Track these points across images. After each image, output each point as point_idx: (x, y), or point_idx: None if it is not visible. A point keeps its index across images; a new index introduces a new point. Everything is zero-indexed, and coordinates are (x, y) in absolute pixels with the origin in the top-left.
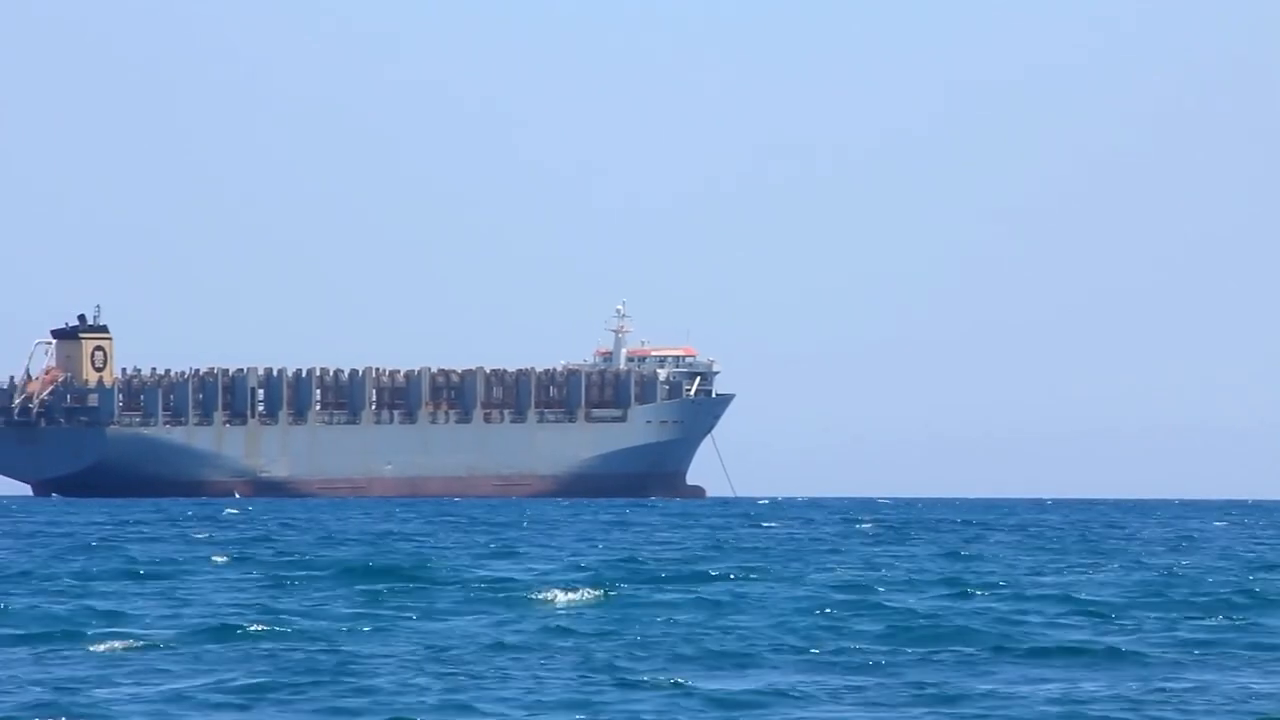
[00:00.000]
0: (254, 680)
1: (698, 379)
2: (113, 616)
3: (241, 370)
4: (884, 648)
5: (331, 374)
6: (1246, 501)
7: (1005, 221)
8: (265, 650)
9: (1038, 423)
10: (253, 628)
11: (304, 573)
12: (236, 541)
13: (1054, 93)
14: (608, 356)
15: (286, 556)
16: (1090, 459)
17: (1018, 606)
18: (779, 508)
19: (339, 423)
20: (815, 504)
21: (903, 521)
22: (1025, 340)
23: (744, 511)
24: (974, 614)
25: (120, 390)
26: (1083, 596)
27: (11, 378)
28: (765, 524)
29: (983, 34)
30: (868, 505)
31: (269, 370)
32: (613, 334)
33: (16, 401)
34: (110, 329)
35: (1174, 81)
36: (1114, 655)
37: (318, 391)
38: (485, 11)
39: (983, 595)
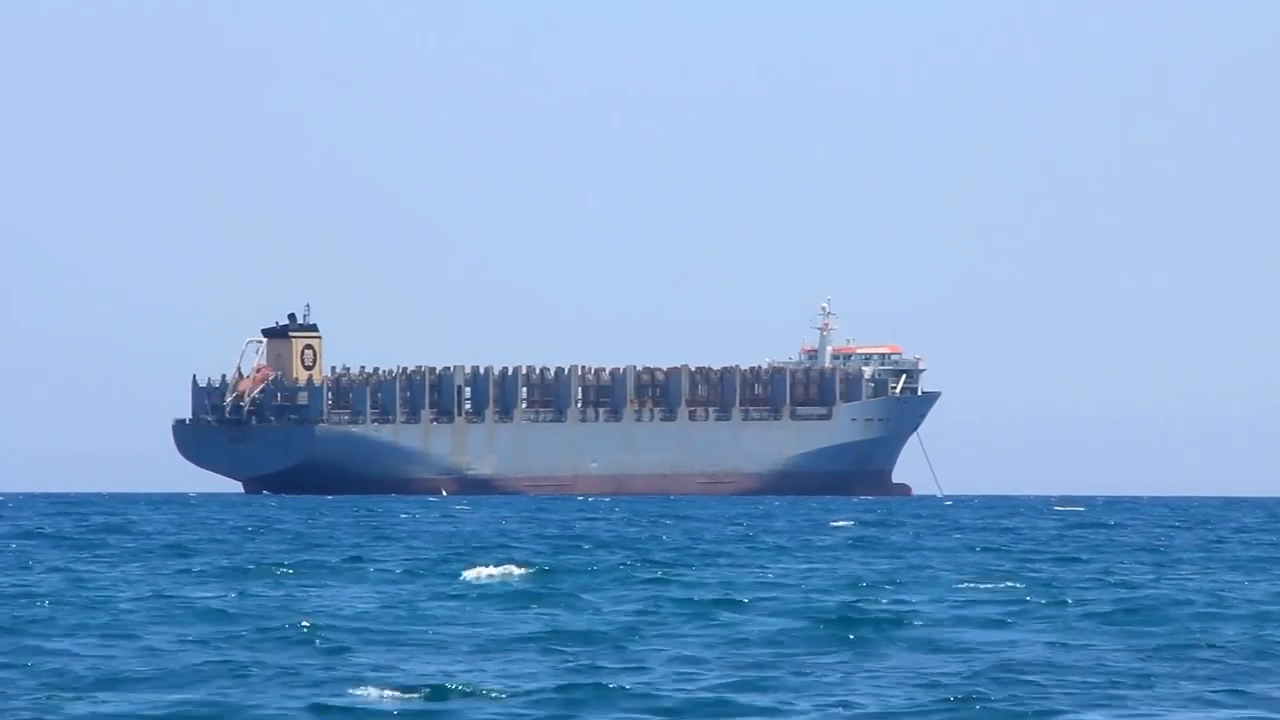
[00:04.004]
0: None
1: (903, 376)
2: None
3: (448, 369)
4: None
5: (538, 372)
6: None
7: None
8: None
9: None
10: None
11: None
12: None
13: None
14: (813, 354)
15: None
16: None
17: None
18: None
19: (545, 420)
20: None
21: None
22: (1227, 318)
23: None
24: None
25: (329, 389)
26: None
27: (223, 376)
28: None
29: None
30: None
31: (475, 369)
32: (818, 331)
33: (228, 400)
34: (320, 328)
35: None
36: None
37: (524, 389)
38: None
39: None
